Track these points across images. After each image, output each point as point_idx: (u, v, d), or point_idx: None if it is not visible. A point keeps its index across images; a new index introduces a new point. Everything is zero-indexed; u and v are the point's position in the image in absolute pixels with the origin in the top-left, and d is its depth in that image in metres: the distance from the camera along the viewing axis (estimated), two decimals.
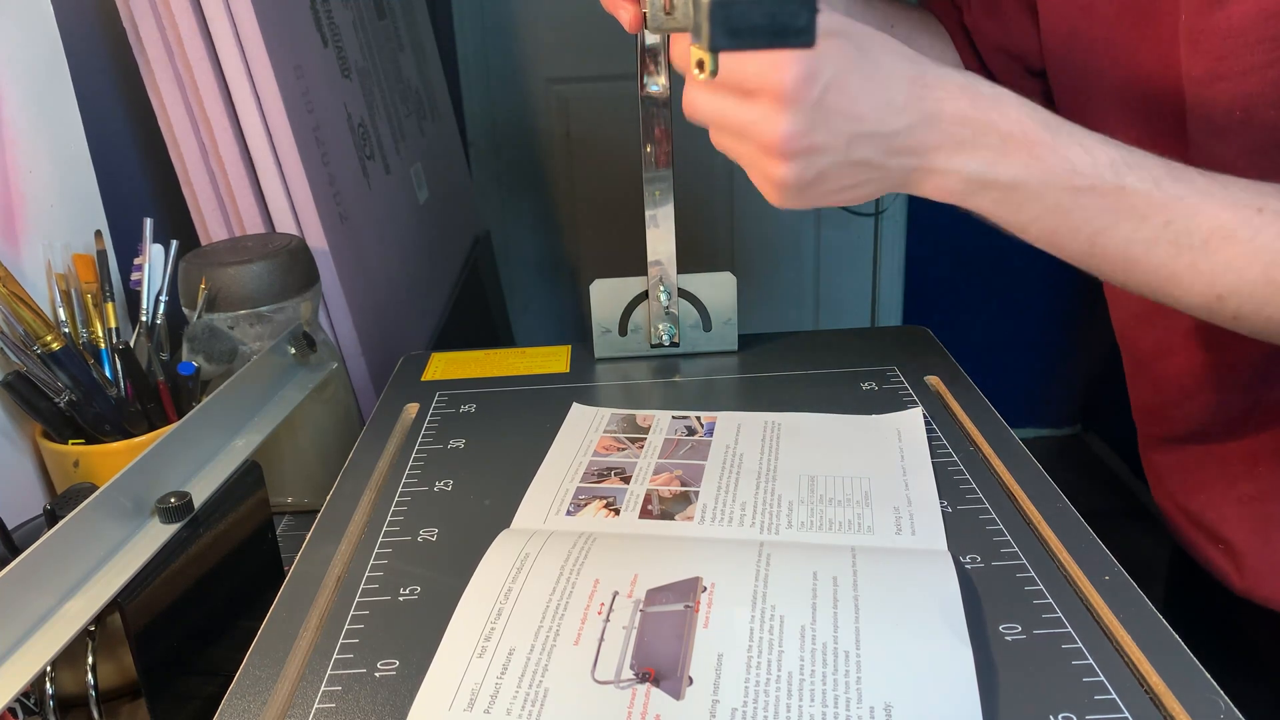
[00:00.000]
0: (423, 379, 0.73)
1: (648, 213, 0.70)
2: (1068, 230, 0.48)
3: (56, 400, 0.60)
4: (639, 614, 0.44)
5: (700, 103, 0.48)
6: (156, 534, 0.49)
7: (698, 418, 0.64)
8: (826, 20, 0.44)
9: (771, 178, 0.47)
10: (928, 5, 0.74)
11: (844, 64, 0.45)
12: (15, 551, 0.48)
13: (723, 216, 2.12)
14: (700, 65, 0.42)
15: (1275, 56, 0.49)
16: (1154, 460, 0.69)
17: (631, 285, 0.73)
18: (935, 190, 0.48)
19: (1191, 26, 0.52)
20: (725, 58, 0.44)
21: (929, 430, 0.61)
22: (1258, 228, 0.45)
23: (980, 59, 0.71)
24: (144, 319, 0.68)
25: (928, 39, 0.72)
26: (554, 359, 0.76)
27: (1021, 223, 0.48)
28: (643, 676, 0.40)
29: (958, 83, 0.47)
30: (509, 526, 0.54)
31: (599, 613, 0.44)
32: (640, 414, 0.65)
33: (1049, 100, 0.68)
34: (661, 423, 0.64)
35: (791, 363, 0.73)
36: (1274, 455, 0.60)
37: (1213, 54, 0.52)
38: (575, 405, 0.67)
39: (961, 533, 0.51)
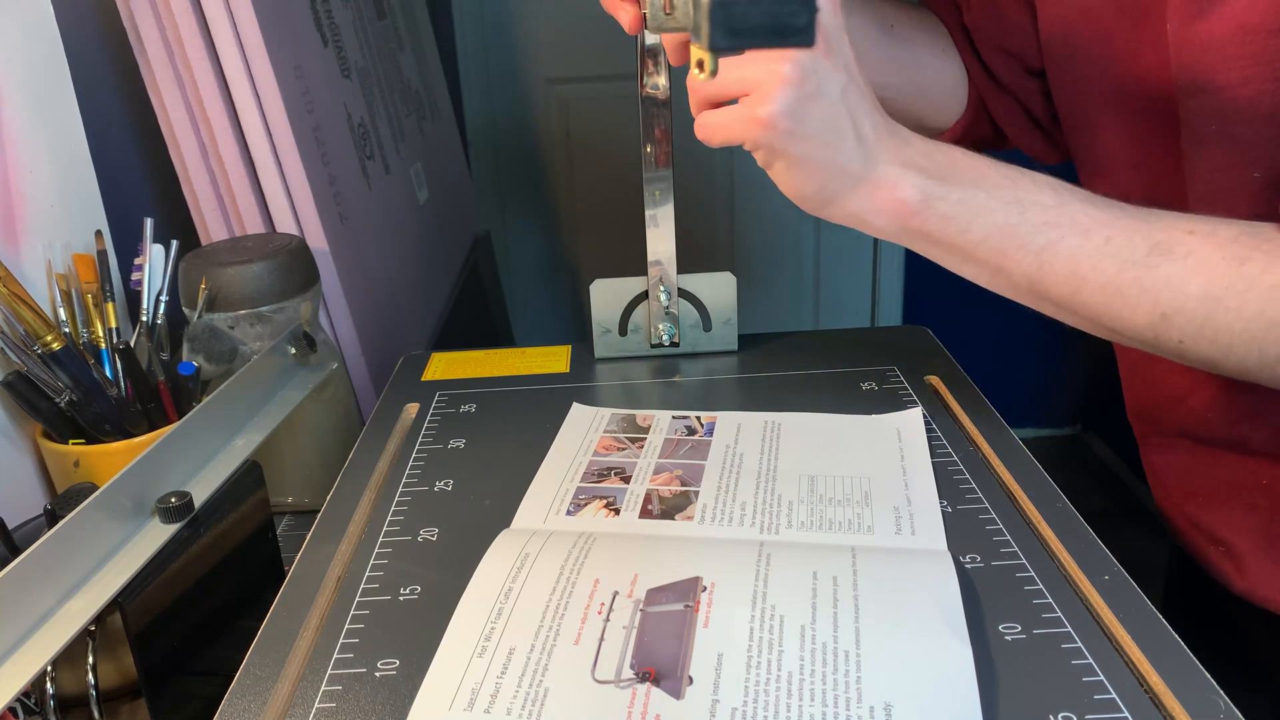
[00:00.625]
0: (423, 379, 0.73)
1: (648, 213, 0.70)
2: (1016, 248, 0.49)
3: (57, 400, 0.60)
4: (639, 614, 0.44)
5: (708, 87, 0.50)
6: (156, 534, 0.49)
7: (698, 418, 0.64)
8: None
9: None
10: (928, 4, 0.74)
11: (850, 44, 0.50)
12: (15, 551, 0.48)
13: (723, 216, 2.12)
14: (700, 65, 0.42)
15: (1252, 74, 0.49)
16: (1154, 462, 0.69)
17: (631, 285, 0.73)
18: (888, 198, 0.49)
19: (1176, 36, 0.52)
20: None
21: (929, 430, 0.61)
22: (1191, 247, 0.47)
23: (980, 58, 0.70)
24: (144, 319, 0.68)
25: (928, 38, 0.72)
26: (554, 359, 0.76)
27: (971, 243, 0.50)
28: (643, 676, 0.40)
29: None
30: (509, 526, 0.54)
31: (599, 612, 0.44)
32: (640, 414, 0.65)
33: (1048, 100, 0.68)
34: (661, 423, 0.64)
35: (791, 363, 0.72)
36: (1276, 462, 0.60)
37: (1193, 66, 0.52)
38: (575, 405, 0.67)
39: (961, 533, 0.51)
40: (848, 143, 0.49)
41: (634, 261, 0.74)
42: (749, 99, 0.48)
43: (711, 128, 0.50)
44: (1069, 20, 0.62)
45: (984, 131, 0.74)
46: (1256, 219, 0.49)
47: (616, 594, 0.45)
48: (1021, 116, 0.71)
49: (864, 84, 0.50)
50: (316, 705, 0.42)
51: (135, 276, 0.69)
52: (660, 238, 0.71)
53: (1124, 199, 0.62)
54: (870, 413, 0.63)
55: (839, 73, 0.48)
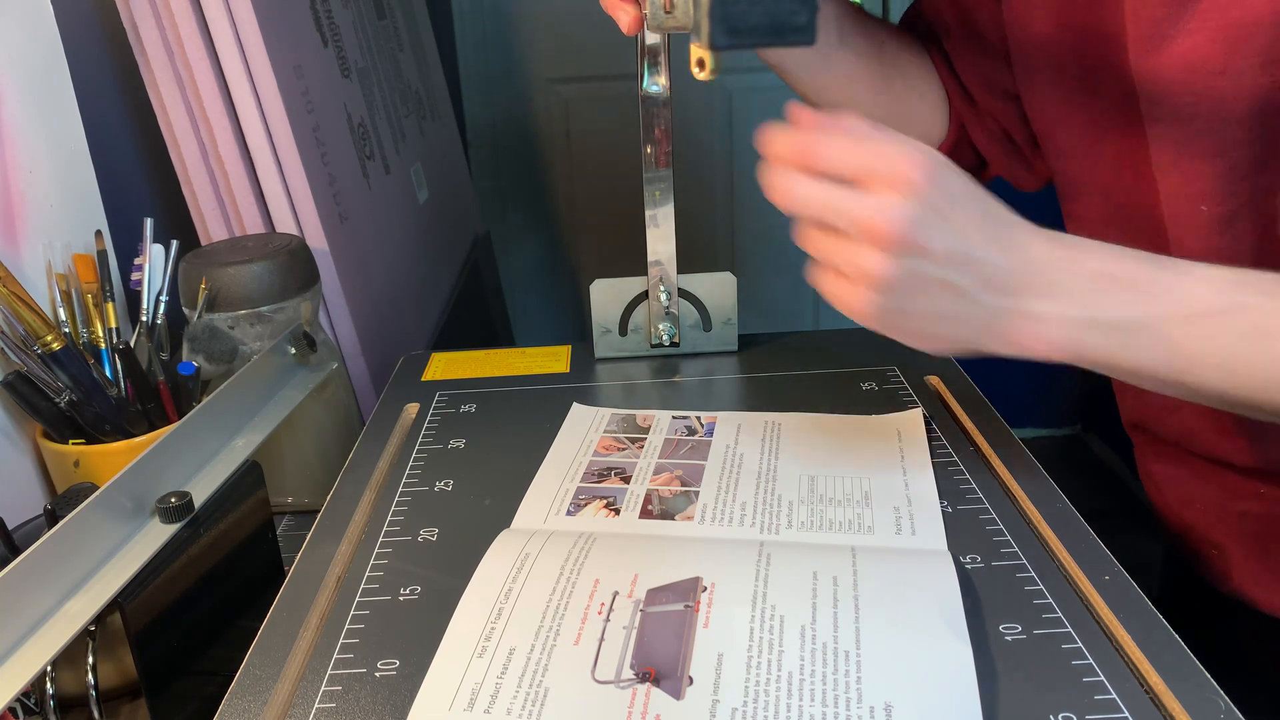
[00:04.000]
0: (423, 379, 0.73)
1: (648, 213, 0.70)
2: (1200, 362, 0.44)
3: (57, 400, 0.60)
4: (639, 614, 0.44)
5: (800, 189, 0.44)
6: (156, 534, 0.49)
7: (698, 418, 0.64)
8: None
9: (868, 272, 0.43)
10: (910, 29, 0.74)
11: (963, 183, 0.44)
12: (15, 551, 0.48)
13: (723, 216, 2.12)
14: (700, 64, 0.42)
15: (1197, 112, 0.49)
16: (1149, 468, 0.69)
17: (631, 285, 0.73)
18: (1035, 338, 0.45)
19: (1136, 66, 0.52)
20: (842, 149, 0.43)
21: (929, 430, 0.61)
22: None
23: (960, 83, 0.70)
24: (144, 319, 0.68)
25: (914, 61, 0.71)
26: (554, 359, 0.76)
27: (1149, 366, 0.45)
28: (643, 676, 0.40)
29: (1037, 228, 0.45)
30: (509, 526, 0.54)
31: (599, 613, 0.44)
32: (640, 414, 0.65)
33: (1027, 125, 0.68)
34: (661, 423, 0.64)
35: (791, 363, 0.72)
36: (1264, 479, 0.60)
37: (1148, 97, 0.52)
38: (575, 405, 0.67)
39: (961, 533, 0.51)
40: (960, 312, 0.45)
41: (634, 261, 0.74)
42: (855, 255, 0.43)
43: (814, 246, 0.45)
44: (1036, 44, 0.62)
45: (965, 158, 0.73)
46: (1211, 252, 0.49)
47: (616, 594, 0.45)
48: (1001, 141, 0.71)
49: (976, 218, 0.44)
50: (316, 705, 0.42)
51: (135, 276, 0.69)
52: (660, 238, 0.71)
53: (1101, 222, 0.62)
54: (870, 413, 0.63)
55: (943, 248, 0.43)
